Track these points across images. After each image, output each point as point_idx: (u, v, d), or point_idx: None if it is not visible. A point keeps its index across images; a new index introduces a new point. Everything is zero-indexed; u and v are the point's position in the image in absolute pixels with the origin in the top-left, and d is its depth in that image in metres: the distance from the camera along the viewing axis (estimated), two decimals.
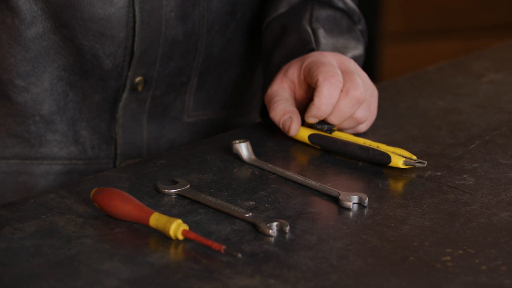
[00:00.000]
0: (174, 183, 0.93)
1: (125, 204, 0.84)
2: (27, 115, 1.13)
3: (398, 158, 0.98)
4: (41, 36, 1.09)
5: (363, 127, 1.09)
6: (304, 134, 1.05)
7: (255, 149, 1.02)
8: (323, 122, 1.05)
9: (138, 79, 1.13)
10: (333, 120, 1.03)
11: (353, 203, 0.90)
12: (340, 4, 1.19)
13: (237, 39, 1.21)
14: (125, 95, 1.14)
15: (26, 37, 1.09)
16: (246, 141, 1.01)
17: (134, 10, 1.09)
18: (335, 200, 0.91)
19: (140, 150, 1.18)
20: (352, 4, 1.20)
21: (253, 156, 1.00)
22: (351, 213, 0.89)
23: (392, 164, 0.98)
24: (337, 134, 1.05)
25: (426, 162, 0.98)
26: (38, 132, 1.14)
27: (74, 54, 1.10)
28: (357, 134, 1.08)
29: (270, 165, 0.99)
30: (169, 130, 1.20)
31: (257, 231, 0.84)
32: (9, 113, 1.13)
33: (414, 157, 0.99)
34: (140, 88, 1.14)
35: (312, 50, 1.12)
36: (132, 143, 1.17)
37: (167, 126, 1.19)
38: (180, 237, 0.82)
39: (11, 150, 1.14)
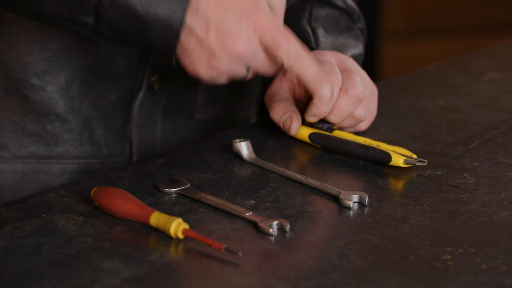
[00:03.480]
0: (174, 182, 0.93)
1: (125, 203, 0.84)
2: (43, 113, 1.13)
3: (399, 157, 0.98)
4: (59, 35, 1.09)
5: (363, 126, 1.09)
6: (304, 133, 1.05)
7: (255, 148, 1.02)
8: (323, 121, 1.05)
9: (154, 77, 1.13)
10: (333, 118, 1.03)
11: (354, 202, 0.90)
12: (340, 3, 1.19)
13: None
14: (141, 94, 1.14)
15: (43, 36, 1.09)
16: (247, 140, 1.01)
17: None
18: (336, 199, 0.91)
19: (154, 148, 1.18)
20: (351, 3, 1.20)
21: (253, 155, 1.00)
22: (351, 212, 0.89)
23: (393, 163, 0.98)
24: (337, 133, 1.05)
25: (426, 161, 0.98)
26: (54, 131, 1.14)
27: (91, 54, 1.10)
28: (357, 133, 1.08)
29: (270, 164, 0.99)
30: (182, 128, 1.20)
31: (257, 230, 0.84)
32: (25, 112, 1.13)
33: (415, 156, 0.99)
34: (156, 86, 1.14)
35: (312, 49, 1.12)
36: (146, 141, 1.17)
37: (180, 124, 1.19)
38: (181, 236, 0.82)
39: (27, 149, 1.14)
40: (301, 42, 1.13)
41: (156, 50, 0.95)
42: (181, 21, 0.92)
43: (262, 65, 0.96)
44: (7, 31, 1.09)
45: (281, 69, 1.00)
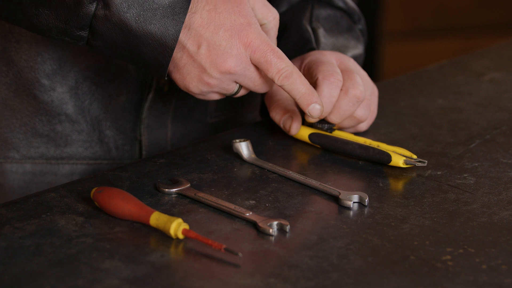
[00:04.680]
0: (174, 182, 0.92)
1: (125, 203, 0.84)
2: (53, 114, 1.13)
3: (399, 157, 0.98)
4: None
5: (363, 126, 1.09)
6: (304, 133, 1.05)
7: (256, 148, 1.02)
8: (323, 121, 1.05)
9: (163, 80, 1.13)
10: (333, 119, 1.03)
11: (354, 202, 0.90)
12: (340, 4, 1.19)
13: None
14: (150, 95, 1.14)
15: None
16: (247, 140, 1.01)
17: None
18: (336, 199, 0.91)
19: (164, 150, 1.18)
20: (352, 4, 1.20)
21: (253, 155, 1.00)
22: (351, 212, 0.89)
23: (393, 163, 0.98)
24: (337, 133, 1.05)
25: (426, 161, 0.98)
26: (64, 132, 1.14)
27: (100, 55, 1.10)
28: (357, 133, 1.08)
29: (270, 164, 0.98)
30: (192, 131, 1.20)
31: (257, 230, 0.84)
32: (35, 113, 1.13)
33: (415, 157, 0.99)
34: (166, 88, 1.14)
35: (312, 49, 1.12)
36: (156, 143, 1.17)
37: (191, 127, 1.19)
38: (181, 236, 0.81)
39: (37, 150, 1.14)
40: (302, 42, 1.13)
41: (148, 65, 0.95)
42: (175, 39, 0.93)
43: (253, 82, 0.97)
44: (17, 32, 1.09)
45: (272, 87, 1.00)
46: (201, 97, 0.98)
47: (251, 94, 1.27)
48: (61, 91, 1.12)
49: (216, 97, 0.99)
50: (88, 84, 1.12)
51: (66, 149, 1.15)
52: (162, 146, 1.18)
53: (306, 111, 0.98)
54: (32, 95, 1.12)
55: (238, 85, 0.97)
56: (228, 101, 1.22)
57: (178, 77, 0.96)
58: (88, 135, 1.15)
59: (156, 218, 0.82)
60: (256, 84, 0.97)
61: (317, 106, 0.97)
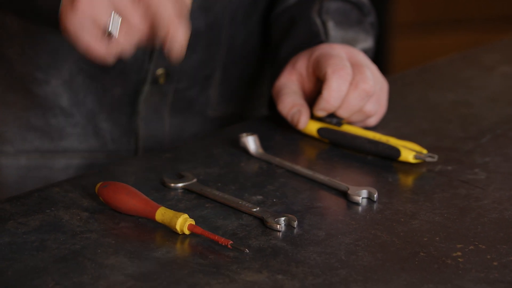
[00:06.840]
0: (180, 177, 0.92)
1: (130, 198, 0.84)
2: (47, 107, 1.12)
3: (408, 152, 0.97)
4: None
5: (372, 121, 1.08)
6: (312, 127, 1.04)
7: (263, 142, 1.01)
8: (332, 115, 1.04)
9: (160, 71, 1.12)
10: (342, 113, 1.03)
11: (362, 197, 0.89)
12: None
13: (258, 30, 1.21)
14: (146, 88, 1.13)
15: (44, 29, 1.08)
16: (254, 134, 1.00)
17: None
18: (344, 194, 0.90)
19: (161, 143, 1.17)
20: None
21: (260, 150, 1.00)
22: (360, 208, 0.88)
23: (402, 158, 0.97)
24: (346, 128, 1.04)
25: (436, 156, 0.97)
26: (59, 125, 1.13)
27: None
28: (366, 128, 1.07)
29: (278, 159, 0.98)
30: (192, 125, 1.19)
31: (264, 226, 0.83)
32: (29, 106, 1.12)
33: (425, 151, 0.98)
34: (161, 81, 1.13)
35: (321, 42, 1.11)
36: (154, 136, 1.17)
37: (190, 120, 1.19)
38: (187, 232, 0.81)
39: (31, 143, 1.14)
40: (311, 35, 1.12)
41: (43, 12, 0.86)
42: None
43: (133, 13, 0.82)
44: (9, 26, 1.09)
45: (154, 40, 0.84)
46: (77, 42, 0.85)
47: (258, 89, 1.26)
48: (55, 85, 1.12)
49: (95, 41, 0.84)
50: (83, 77, 1.12)
51: (61, 143, 1.14)
52: (159, 139, 1.17)
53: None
54: (26, 89, 1.11)
55: (113, 20, 0.82)
56: (232, 94, 1.21)
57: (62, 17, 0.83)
58: (83, 128, 1.14)
59: (162, 214, 0.82)
60: (135, 18, 0.82)
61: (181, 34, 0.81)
